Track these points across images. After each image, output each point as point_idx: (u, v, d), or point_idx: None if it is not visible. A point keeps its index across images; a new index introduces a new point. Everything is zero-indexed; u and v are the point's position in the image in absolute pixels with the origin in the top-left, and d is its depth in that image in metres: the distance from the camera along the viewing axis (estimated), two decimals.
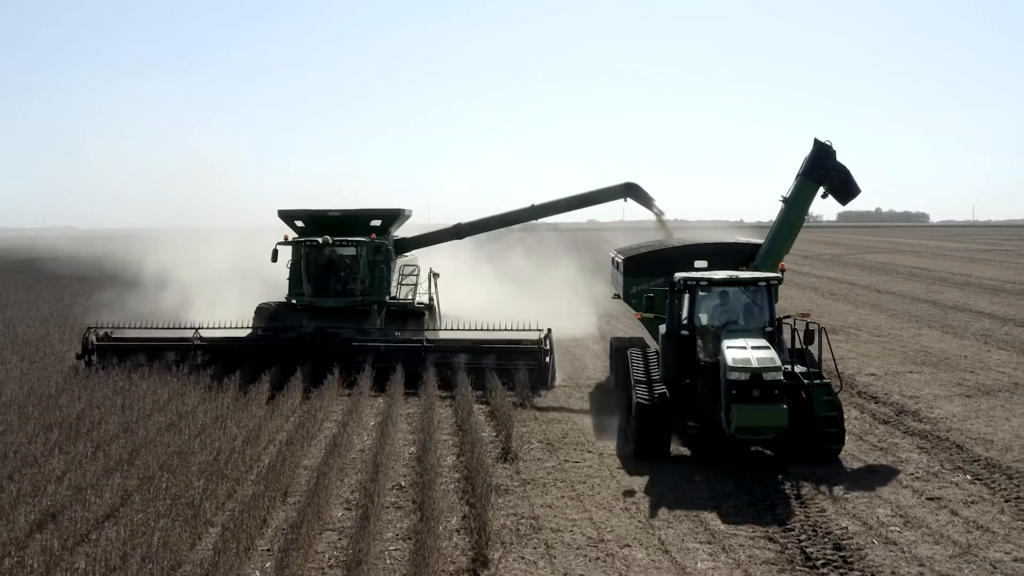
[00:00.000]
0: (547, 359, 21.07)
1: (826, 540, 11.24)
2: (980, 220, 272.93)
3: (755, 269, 19.19)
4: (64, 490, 12.22)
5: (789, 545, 11.16)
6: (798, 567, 10.48)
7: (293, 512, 11.89)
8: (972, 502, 12.78)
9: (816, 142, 19.56)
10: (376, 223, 25.23)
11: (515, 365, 20.35)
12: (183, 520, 11.10)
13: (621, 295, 21.97)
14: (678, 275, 16.32)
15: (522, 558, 10.68)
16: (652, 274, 20.12)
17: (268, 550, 10.79)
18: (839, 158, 19.65)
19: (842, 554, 10.78)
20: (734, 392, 13.94)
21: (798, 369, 15.21)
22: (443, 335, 23.39)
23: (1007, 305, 36.93)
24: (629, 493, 13.01)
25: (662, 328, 16.50)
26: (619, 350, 19.83)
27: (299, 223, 25.56)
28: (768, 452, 14.95)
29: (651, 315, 17.79)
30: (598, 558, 10.74)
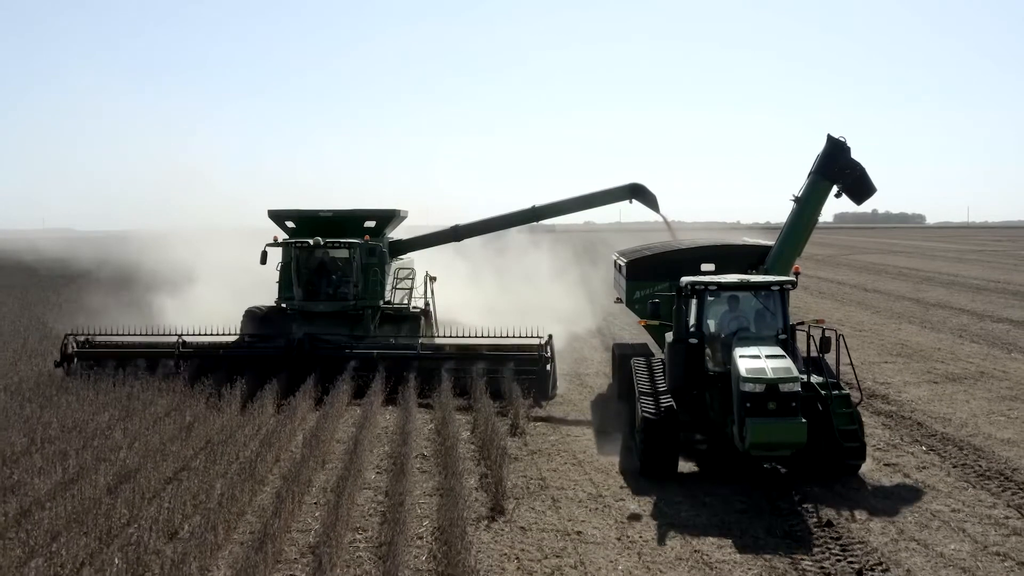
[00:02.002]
0: (548, 367, 20.24)
1: (794, 496, 13.09)
2: (977, 221, 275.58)
3: (765, 272, 18.41)
4: (133, 455, 14.09)
5: (761, 500, 13.01)
6: (766, 515, 12.35)
7: (333, 475, 13.75)
8: (923, 467, 14.64)
9: (829, 138, 18.69)
10: (370, 224, 24.48)
11: (515, 373, 19.73)
12: (241, 479, 12.94)
13: (624, 300, 21.02)
14: (685, 279, 15.38)
15: (532, 508, 12.58)
16: (657, 278, 19.31)
17: (316, 503, 12.63)
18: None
19: (804, 506, 12.66)
20: (748, 405, 13.02)
21: (814, 379, 14.34)
22: (438, 342, 22.37)
23: (987, 303, 38.69)
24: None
25: (668, 336, 15.44)
26: (622, 358, 19.14)
27: (290, 224, 24.74)
28: (782, 469, 14.36)
29: (656, 322, 16.84)
30: (596, 509, 12.64)
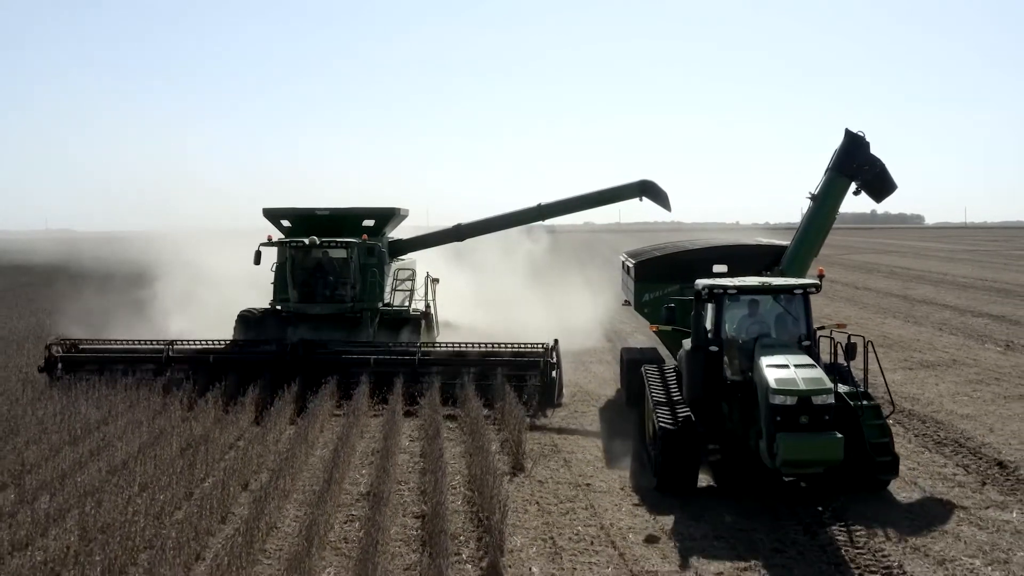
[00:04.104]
0: (554, 373, 19.43)
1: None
2: (976, 222, 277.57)
3: (781, 274, 17.81)
4: (198, 426, 16.20)
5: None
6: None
7: (373, 443, 15.84)
8: None
9: (847, 133, 17.99)
10: (369, 223, 23.61)
11: (520, 380, 18.90)
12: (297, 442, 15.02)
13: (632, 302, 20.22)
14: (703, 282, 14.52)
15: (548, 467, 14.74)
16: (667, 280, 18.72)
17: (360, 464, 14.72)
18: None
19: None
20: (778, 419, 12.11)
21: (841, 389, 13.39)
22: (439, 348, 21.24)
23: (972, 299, 40.53)
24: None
25: (686, 343, 14.81)
26: (631, 363, 18.56)
27: (285, 223, 23.90)
28: (802, 483, 13.58)
29: (669, 328, 15.98)
30: (602, 467, 14.80)
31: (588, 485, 13.73)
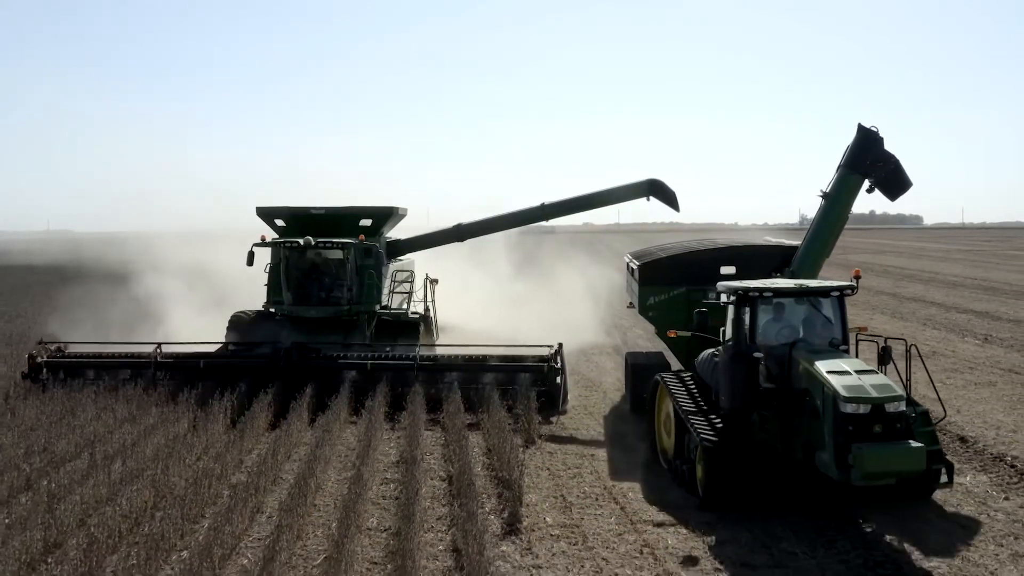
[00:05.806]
0: (558, 379, 18.85)
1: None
2: (975, 222, 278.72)
3: (791, 274, 17.29)
4: (235, 410, 17.84)
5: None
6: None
7: (398, 425, 17.56)
8: None
9: (860, 128, 17.47)
10: (366, 223, 23.00)
11: (521, 385, 18.51)
12: (329, 422, 16.74)
13: (636, 305, 19.58)
14: (735, 284, 13.87)
15: (556, 441, 16.59)
16: (673, 282, 18.25)
17: (389, 439, 16.48)
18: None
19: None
20: (850, 429, 11.50)
21: None
22: (439, 351, 21.21)
23: (959, 297, 41.91)
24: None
25: (720, 349, 14.11)
26: (636, 369, 18.37)
27: (280, 222, 23.15)
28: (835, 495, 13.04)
29: (688, 334, 15.19)
30: (604, 441, 16.62)
31: (593, 455, 15.54)
